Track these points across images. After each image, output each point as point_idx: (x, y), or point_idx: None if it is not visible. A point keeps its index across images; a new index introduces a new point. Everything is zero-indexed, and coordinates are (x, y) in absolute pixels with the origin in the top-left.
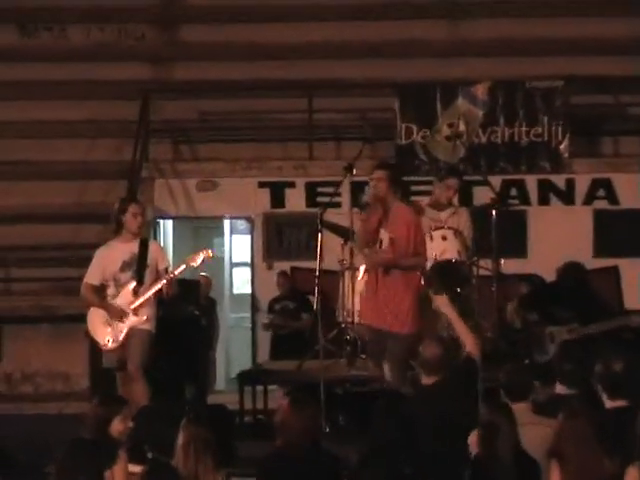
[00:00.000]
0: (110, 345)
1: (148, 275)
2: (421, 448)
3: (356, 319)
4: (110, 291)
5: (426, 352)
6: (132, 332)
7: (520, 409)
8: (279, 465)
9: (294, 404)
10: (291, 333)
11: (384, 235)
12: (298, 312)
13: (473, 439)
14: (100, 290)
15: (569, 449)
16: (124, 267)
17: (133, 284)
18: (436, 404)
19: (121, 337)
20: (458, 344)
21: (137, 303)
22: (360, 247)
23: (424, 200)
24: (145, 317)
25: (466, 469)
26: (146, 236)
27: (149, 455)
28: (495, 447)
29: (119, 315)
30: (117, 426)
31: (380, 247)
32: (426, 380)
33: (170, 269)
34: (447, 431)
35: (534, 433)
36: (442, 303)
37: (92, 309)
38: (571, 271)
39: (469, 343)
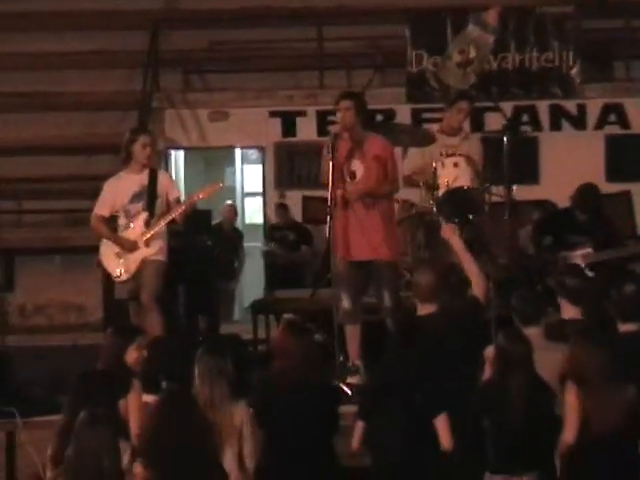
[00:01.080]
0: (122, 276)
1: (159, 206)
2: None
3: None
4: (121, 222)
5: (421, 279)
6: (144, 263)
7: (532, 334)
8: (274, 390)
9: (289, 327)
10: (287, 264)
11: (358, 166)
12: (297, 243)
13: (489, 354)
14: (111, 221)
15: (589, 372)
16: (134, 198)
17: (144, 215)
18: (431, 338)
19: (133, 269)
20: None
21: (149, 234)
22: (325, 181)
23: (435, 127)
24: (158, 248)
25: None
26: (156, 167)
27: (163, 385)
28: (507, 375)
29: (130, 247)
30: (132, 354)
31: (354, 178)
32: (421, 310)
33: (181, 199)
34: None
35: (546, 358)
36: (449, 232)
37: (104, 240)
38: (585, 195)
39: (474, 282)
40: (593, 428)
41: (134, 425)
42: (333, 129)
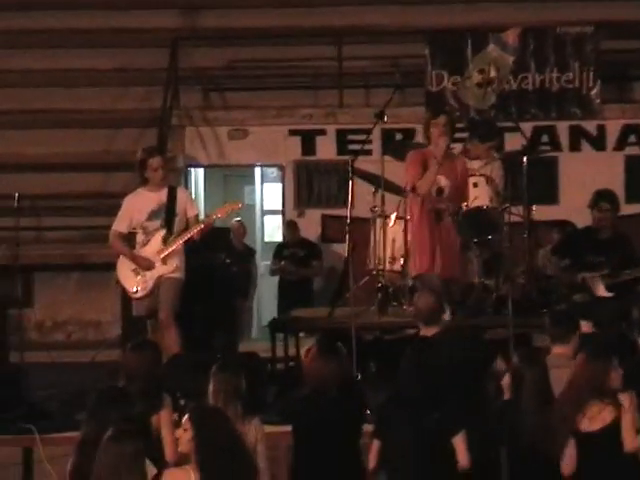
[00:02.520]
0: (139, 293)
1: (177, 223)
2: (440, 396)
3: (387, 266)
4: (139, 238)
5: (420, 302)
6: (161, 281)
7: (561, 353)
8: (305, 409)
9: (321, 350)
10: (299, 280)
11: (444, 182)
12: (308, 259)
13: (506, 382)
14: (129, 238)
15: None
16: (152, 215)
17: (162, 232)
18: (439, 357)
19: (150, 286)
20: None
21: (166, 252)
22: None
23: (457, 148)
24: (175, 266)
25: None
26: (174, 184)
27: (181, 402)
28: (520, 394)
29: (146, 266)
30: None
31: (441, 194)
32: (424, 332)
33: (200, 217)
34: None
35: None
36: None
37: (121, 257)
38: (604, 193)
39: None
40: None
41: (168, 439)
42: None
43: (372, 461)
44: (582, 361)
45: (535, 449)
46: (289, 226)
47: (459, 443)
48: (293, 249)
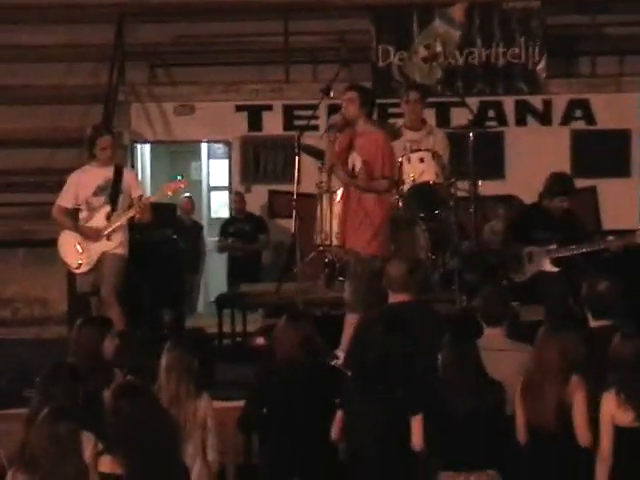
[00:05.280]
0: (82, 268)
1: (121, 201)
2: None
3: (334, 241)
4: (82, 215)
5: (392, 270)
6: (104, 257)
7: (495, 334)
8: (276, 381)
9: (290, 319)
10: (247, 255)
11: (356, 158)
12: (254, 234)
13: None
14: (73, 214)
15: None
16: (98, 191)
17: (106, 209)
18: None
19: (94, 260)
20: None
21: (110, 228)
22: (328, 167)
23: (400, 122)
24: (119, 242)
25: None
26: (121, 162)
27: (128, 379)
28: (451, 373)
29: (94, 236)
30: (108, 346)
31: (353, 171)
32: (392, 298)
33: (144, 196)
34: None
35: (508, 359)
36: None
37: (63, 232)
38: (563, 181)
39: None
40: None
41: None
42: (331, 120)
43: (336, 431)
44: (547, 335)
45: (468, 425)
46: (236, 196)
47: (416, 424)
48: (239, 224)
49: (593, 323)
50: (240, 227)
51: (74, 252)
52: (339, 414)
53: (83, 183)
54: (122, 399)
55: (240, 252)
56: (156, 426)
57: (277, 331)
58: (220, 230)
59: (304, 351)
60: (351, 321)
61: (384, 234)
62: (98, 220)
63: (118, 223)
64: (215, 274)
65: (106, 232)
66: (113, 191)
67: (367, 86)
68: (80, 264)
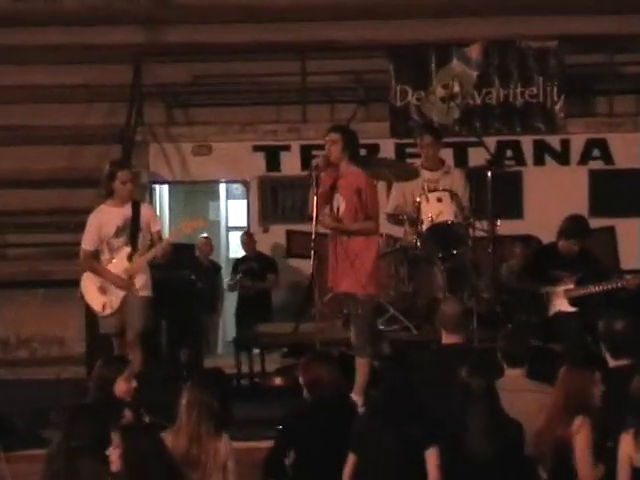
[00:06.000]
0: (105, 312)
1: (141, 239)
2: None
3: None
4: (104, 257)
5: (448, 309)
6: (129, 299)
7: (515, 375)
8: (309, 419)
9: (320, 359)
10: (256, 294)
11: (340, 200)
12: (263, 273)
13: None
14: (95, 256)
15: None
16: (118, 232)
17: (127, 250)
18: (455, 365)
19: (116, 304)
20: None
21: (132, 270)
22: (318, 213)
23: (417, 162)
24: (141, 283)
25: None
26: (137, 199)
27: (146, 419)
28: (468, 409)
29: (124, 285)
30: (121, 386)
31: (338, 213)
32: (446, 339)
33: (162, 231)
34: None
35: (528, 400)
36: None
37: (85, 275)
38: (578, 224)
39: None
40: None
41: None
42: (315, 161)
43: (347, 476)
44: (567, 373)
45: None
46: (245, 237)
47: (431, 459)
48: (248, 263)
49: (612, 363)
50: (250, 266)
51: (98, 296)
52: (350, 458)
53: (103, 224)
54: (127, 438)
55: (249, 291)
56: (159, 465)
57: (309, 372)
58: (231, 269)
59: (336, 392)
60: (361, 365)
61: (377, 273)
62: (119, 262)
63: (140, 264)
64: (232, 314)
65: (128, 274)
66: (132, 229)
67: (351, 129)
68: (104, 308)
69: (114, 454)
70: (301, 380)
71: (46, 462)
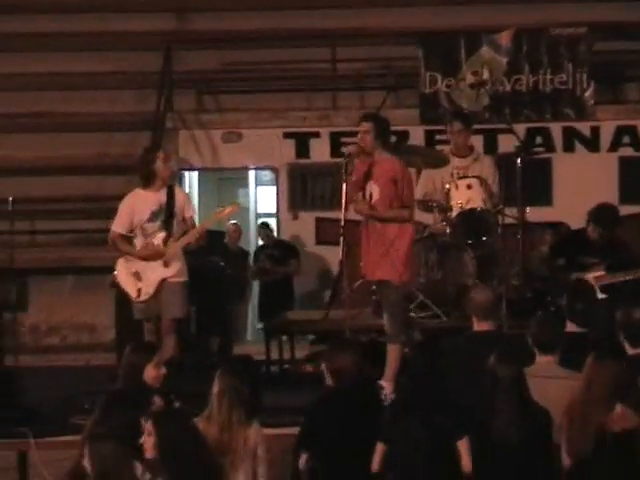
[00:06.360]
0: (141, 297)
1: (176, 225)
2: (455, 397)
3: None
4: (138, 241)
5: (479, 297)
6: (165, 285)
7: (547, 362)
8: (331, 407)
9: (343, 347)
10: (279, 280)
11: (373, 188)
12: (285, 259)
13: None
14: (128, 241)
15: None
16: (152, 217)
17: (162, 234)
18: (486, 352)
19: (152, 290)
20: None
21: (168, 255)
22: (350, 200)
23: (447, 148)
24: (177, 269)
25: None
26: (173, 183)
27: (176, 405)
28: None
29: (154, 254)
30: (150, 372)
31: (370, 200)
32: (478, 326)
33: (195, 219)
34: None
35: (560, 387)
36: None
37: (120, 262)
38: (606, 214)
39: None
40: None
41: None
42: (347, 149)
43: (376, 464)
44: (595, 363)
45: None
46: (261, 230)
47: (463, 448)
48: (269, 250)
49: (631, 351)
50: (270, 253)
51: (132, 282)
52: (379, 446)
53: (137, 208)
54: (160, 424)
55: (271, 276)
56: (193, 450)
57: (333, 360)
58: (253, 258)
59: (360, 380)
60: (393, 352)
61: (410, 262)
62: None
63: (175, 250)
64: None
65: (163, 260)
66: (167, 214)
67: (383, 116)
68: (140, 293)
69: (148, 442)
70: (324, 367)
71: (79, 448)
